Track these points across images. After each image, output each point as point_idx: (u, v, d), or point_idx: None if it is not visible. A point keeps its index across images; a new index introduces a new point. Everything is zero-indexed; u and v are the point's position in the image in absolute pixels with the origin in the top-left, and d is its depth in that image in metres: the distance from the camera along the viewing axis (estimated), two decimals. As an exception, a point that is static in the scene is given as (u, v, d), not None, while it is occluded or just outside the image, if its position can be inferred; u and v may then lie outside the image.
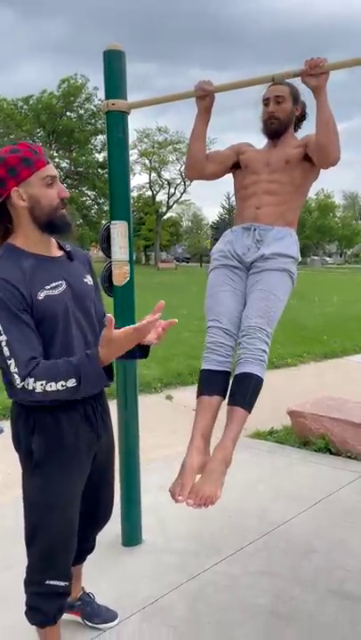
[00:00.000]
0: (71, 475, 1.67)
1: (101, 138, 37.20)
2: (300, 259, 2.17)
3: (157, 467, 3.61)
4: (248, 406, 1.96)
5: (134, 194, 50.32)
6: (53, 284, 1.59)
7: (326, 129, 2.03)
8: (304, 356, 7.59)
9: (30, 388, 1.47)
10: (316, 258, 60.66)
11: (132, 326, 1.52)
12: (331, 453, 3.93)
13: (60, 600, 1.72)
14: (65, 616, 1.84)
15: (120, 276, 2.53)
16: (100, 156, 37.07)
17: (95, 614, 2.10)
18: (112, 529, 2.06)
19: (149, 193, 49.48)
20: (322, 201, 59.41)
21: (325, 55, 2.01)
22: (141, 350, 1.78)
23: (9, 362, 1.48)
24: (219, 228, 60.13)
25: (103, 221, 35.88)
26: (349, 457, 3.84)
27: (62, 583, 1.69)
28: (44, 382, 1.47)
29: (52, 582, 1.68)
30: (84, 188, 37.85)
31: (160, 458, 3.85)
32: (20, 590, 1.74)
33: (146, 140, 45.34)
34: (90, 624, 2.10)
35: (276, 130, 2.22)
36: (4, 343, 1.48)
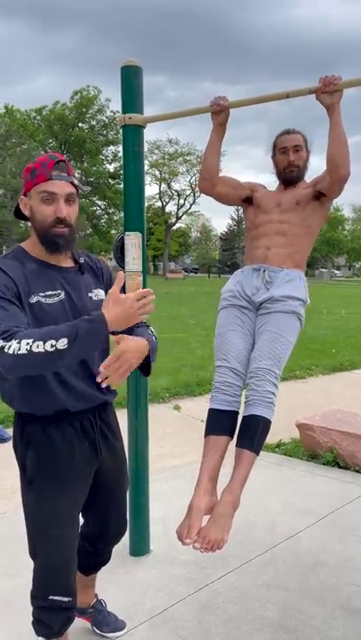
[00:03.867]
0: (65, 492, 1.62)
1: (112, 149, 37.61)
2: (308, 301, 2.19)
3: (165, 477, 3.62)
4: (256, 449, 1.97)
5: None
6: (49, 293, 1.57)
7: (339, 145, 2.07)
8: (312, 368, 7.58)
9: (11, 351, 1.33)
10: (324, 270, 60.56)
11: (136, 292, 1.49)
12: (339, 467, 3.92)
13: (66, 614, 1.71)
14: (75, 621, 1.84)
15: (133, 287, 2.55)
16: (111, 167, 37.45)
17: (105, 623, 2.12)
18: (120, 538, 2.10)
19: (159, 204, 49.79)
20: (331, 214, 59.26)
21: (338, 71, 2.07)
22: (142, 367, 1.69)
23: None
24: (227, 240, 60.26)
25: (113, 231, 36.20)
26: (358, 471, 3.82)
27: (65, 599, 1.67)
28: (30, 341, 1.34)
29: (55, 597, 1.66)
30: (94, 198, 38.15)
31: (168, 468, 3.86)
32: (28, 597, 1.75)
33: (156, 151, 45.75)
34: (99, 632, 2.11)
35: (296, 177, 2.30)
36: None
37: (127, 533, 2.62)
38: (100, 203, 38.01)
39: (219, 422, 2.04)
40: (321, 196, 2.23)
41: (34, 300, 1.53)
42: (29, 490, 1.62)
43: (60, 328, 1.39)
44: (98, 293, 1.71)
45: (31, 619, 1.73)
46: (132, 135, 2.49)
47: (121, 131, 2.54)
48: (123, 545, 2.66)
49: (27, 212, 1.58)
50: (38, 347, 1.34)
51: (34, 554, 1.67)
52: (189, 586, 2.41)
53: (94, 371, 1.59)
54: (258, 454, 1.97)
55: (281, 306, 2.10)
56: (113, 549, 2.03)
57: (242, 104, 2.25)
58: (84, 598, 2.03)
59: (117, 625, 2.12)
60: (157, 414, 4.90)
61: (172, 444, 4.43)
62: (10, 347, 1.35)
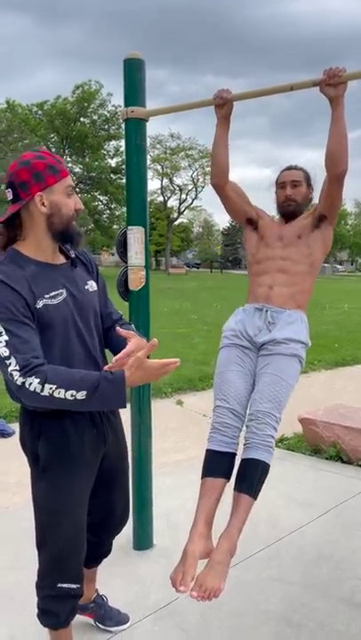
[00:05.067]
0: (77, 479, 1.67)
1: (114, 143, 37.46)
2: (310, 344, 2.18)
3: (168, 471, 3.62)
4: (255, 494, 1.97)
5: None
6: (53, 293, 1.57)
7: (340, 140, 2.06)
8: (315, 363, 7.57)
9: (32, 388, 1.41)
10: (326, 265, 60.37)
11: (164, 360, 1.52)
12: (342, 462, 3.92)
13: (73, 602, 1.73)
14: (77, 617, 1.85)
15: (136, 281, 2.56)
16: (113, 162, 37.32)
17: (108, 617, 2.12)
18: (124, 532, 2.08)
19: (161, 198, 49.69)
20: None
21: (340, 64, 2.04)
22: None
23: (8, 362, 1.43)
24: (229, 235, 60.12)
25: (115, 226, 36.16)
26: (360, 465, 3.83)
27: (74, 586, 1.70)
28: (53, 387, 1.42)
29: (63, 585, 1.68)
30: (96, 193, 38.06)
31: (171, 462, 3.87)
32: (31, 591, 1.75)
33: (158, 145, 45.65)
34: (102, 627, 2.12)
35: (293, 212, 2.30)
36: (2, 344, 1.43)
37: (130, 527, 2.64)
38: (101, 198, 37.90)
39: (216, 464, 2.03)
40: (323, 219, 2.23)
41: (40, 304, 1.53)
42: (42, 478, 1.64)
43: (83, 379, 1.45)
44: (91, 285, 1.73)
45: (36, 611, 1.74)
46: (135, 128, 2.48)
47: (123, 124, 2.53)
48: (126, 539, 2.68)
49: (44, 209, 1.54)
50: (60, 393, 1.43)
51: (43, 543, 1.68)
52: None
53: (101, 363, 1.67)
54: (256, 499, 1.98)
55: (283, 348, 2.09)
56: (116, 543, 2.04)
57: (245, 96, 2.24)
58: (85, 593, 2.01)
59: (121, 618, 2.13)
60: (160, 409, 4.90)
61: (175, 438, 4.43)
62: (31, 384, 1.41)
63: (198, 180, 46.73)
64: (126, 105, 2.48)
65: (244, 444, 2.03)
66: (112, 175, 36.62)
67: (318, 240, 2.25)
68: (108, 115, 36.75)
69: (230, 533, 1.90)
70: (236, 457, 2.04)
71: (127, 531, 2.52)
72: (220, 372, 2.17)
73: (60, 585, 1.68)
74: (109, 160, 37.79)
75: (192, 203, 50.08)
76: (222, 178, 2.30)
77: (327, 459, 3.97)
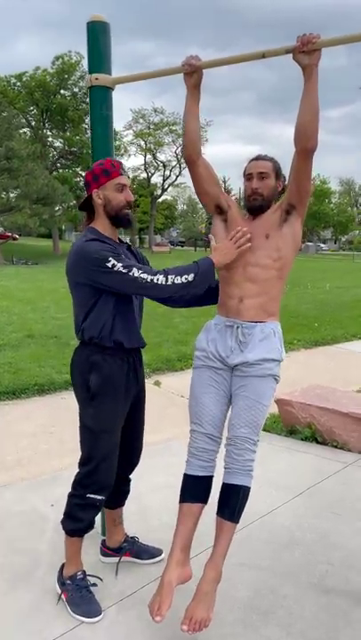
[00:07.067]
0: (117, 406, 2.10)
1: (96, 117, 36.55)
2: (284, 359, 2.14)
3: (143, 453, 3.56)
4: (237, 518, 2.04)
5: (129, 175, 49.65)
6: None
7: (312, 113, 1.96)
8: (295, 342, 7.56)
9: (160, 282, 1.95)
10: (310, 244, 60.57)
11: (231, 239, 2.10)
12: (317, 443, 3.91)
13: (95, 511, 2.12)
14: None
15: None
16: (95, 137, 36.44)
17: (142, 551, 2.45)
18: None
19: (144, 175, 49.00)
20: (318, 187, 59.06)
21: (327, 36, 1.91)
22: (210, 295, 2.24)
23: (130, 272, 1.94)
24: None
25: (97, 203, 35.56)
26: (336, 447, 3.81)
27: (100, 497, 2.10)
28: (173, 276, 1.97)
29: (92, 495, 2.09)
30: (77, 169, 37.36)
31: (145, 444, 3.80)
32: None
33: (141, 120, 44.82)
34: (140, 561, 2.43)
35: (259, 206, 2.14)
36: (117, 267, 1.94)
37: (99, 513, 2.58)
38: (83, 174, 37.22)
39: (194, 489, 2.09)
40: (292, 210, 2.11)
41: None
42: (90, 405, 2.07)
43: (187, 268, 2.02)
44: None
45: (61, 525, 2.17)
46: (100, 97, 2.34)
47: (89, 92, 2.38)
48: (96, 524, 2.62)
49: (100, 201, 2.09)
50: (178, 280, 1.98)
51: (86, 460, 2.10)
52: (161, 566, 2.36)
53: (138, 321, 2.21)
54: (238, 522, 2.05)
55: (257, 370, 2.06)
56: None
57: (215, 64, 2.11)
58: (118, 536, 2.45)
59: (155, 551, 2.46)
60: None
61: (151, 420, 4.36)
62: (158, 279, 1.96)
63: (182, 156, 46.13)
64: (90, 72, 2.33)
65: (225, 468, 2.08)
66: (94, 150, 35.82)
67: (288, 238, 2.13)
68: (90, 87, 35.78)
69: (215, 562, 1.99)
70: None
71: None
72: (194, 396, 2.17)
73: (88, 495, 2.09)
74: (91, 135, 36.95)
75: (176, 179, 49.55)
76: (194, 150, 2.17)
77: (303, 440, 3.96)
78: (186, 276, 1.98)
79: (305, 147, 1.99)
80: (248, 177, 2.17)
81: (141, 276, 1.95)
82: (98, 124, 2.37)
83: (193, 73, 2.11)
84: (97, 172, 2.10)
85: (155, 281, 1.95)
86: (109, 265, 1.94)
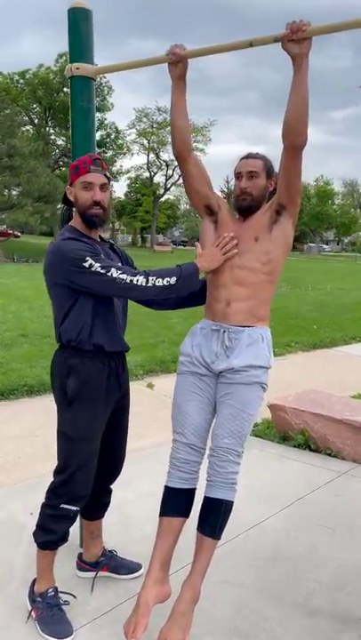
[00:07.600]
0: (96, 412, 2.01)
1: (99, 116, 36.61)
2: (272, 365, 2.02)
3: (129, 459, 3.44)
4: (218, 535, 1.96)
5: (132, 174, 49.56)
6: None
7: (302, 107, 1.85)
8: (292, 345, 7.43)
9: (140, 283, 1.87)
10: (313, 245, 60.37)
11: (217, 245, 2.03)
12: (310, 450, 3.79)
13: (68, 523, 2.02)
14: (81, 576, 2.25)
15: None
16: (98, 135, 36.48)
17: (120, 566, 2.33)
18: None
19: (147, 174, 48.90)
20: (321, 188, 58.84)
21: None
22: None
23: (109, 273, 1.86)
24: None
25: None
26: (329, 454, 3.69)
27: (74, 508, 2.00)
28: (154, 278, 1.89)
29: (65, 506, 1.98)
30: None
31: (133, 450, 3.68)
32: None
33: (145, 119, 44.71)
34: (118, 577, 2.30)
35: (248, 207, 2.03)
36: (95, 267, 1.85)
37: (78, 522, 2.46)
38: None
39: (174, 502, 1.99)
40: (282, 211, 2.00)
41: None
42: (68, 410, 1.99)
43: (169, 270, 1.95)
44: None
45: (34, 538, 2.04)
46: (80, 88, 2.23)
47: (69, 83, 2.27)
48: (74, 535, 2.50)
49: (72, 198, 2.02)
50: (159, 282, 1.90)
51: (62, 468, 2.00)
52: (139, 582, 2.24)
53: (121, 324, 2.11)
54: (220, 538, 1.97)
55: (243, 377, 1.95)
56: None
57: (200, 53, 2.00)
58: (95, 550, 2.34)
59: (133, 566, 2.34)
60: (127, 392, 4.71)
61: (141, 424, 4.24)
62: (138, 280, 1.88)
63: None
64: (71, 61, 2.22)
65: (207, 480, 1.97)
66: (97, 148, 35.85)
67: (278, 240, 2.02)
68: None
69: (194, 582, 1.89)
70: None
71: (74, 527, 2.36)
72: (177, 403, 2.06)
73: (62, 505, 1.99)
74: (94, 133, 36.95)
75: (179, 179, 49.25)
76: (184, 145, 2.07)
77: (295, 446, 3.84)
78: (168, 279, 1.91)
79: (294, 142, 1.88)
80: (237, 176, 2.07)
81: (120, 276, 1.87)
82: (78, 117, 2.26)
83: (178, 63, 2.00)
84: (70, 170, 2.04)
85: (134, 282, 1.87)
86: (86, 265, 1.86)
